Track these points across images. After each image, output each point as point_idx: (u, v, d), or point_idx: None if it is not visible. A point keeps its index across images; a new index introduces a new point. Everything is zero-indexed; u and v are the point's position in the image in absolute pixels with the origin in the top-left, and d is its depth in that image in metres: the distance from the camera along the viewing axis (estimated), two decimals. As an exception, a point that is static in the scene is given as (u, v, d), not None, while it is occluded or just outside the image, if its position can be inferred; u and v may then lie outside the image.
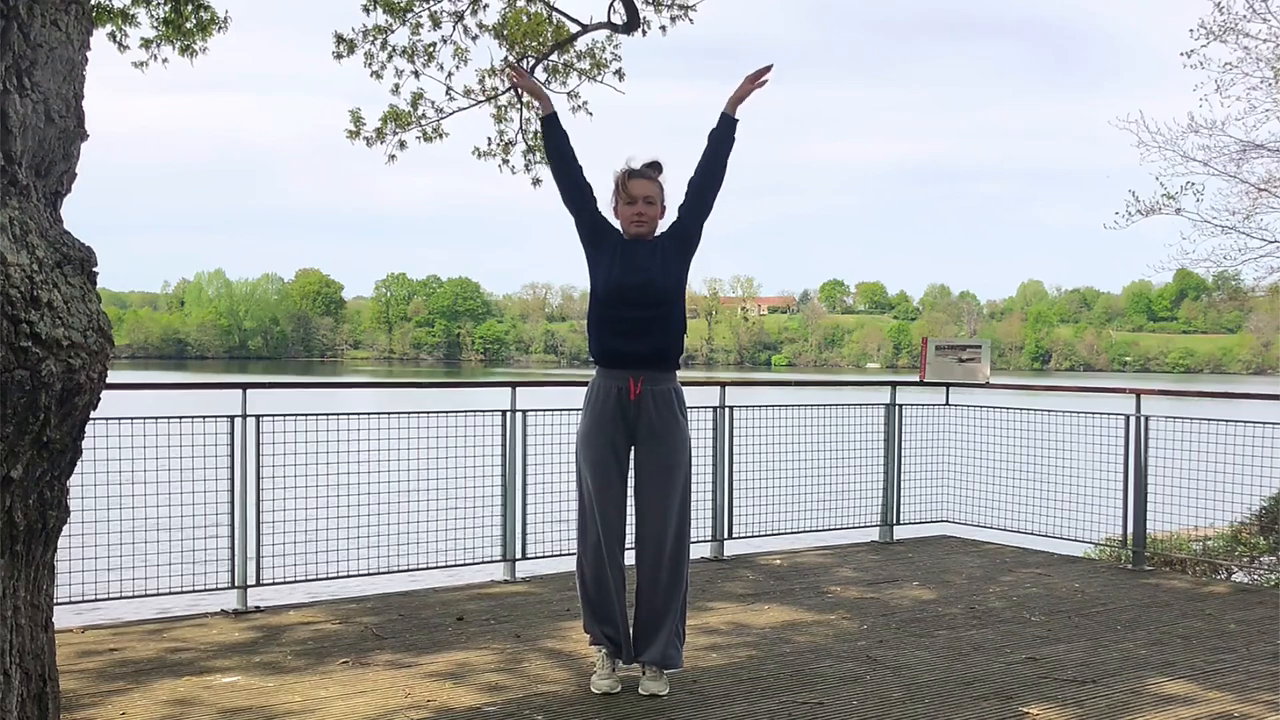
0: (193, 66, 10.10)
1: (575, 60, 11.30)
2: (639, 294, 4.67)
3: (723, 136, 4.83)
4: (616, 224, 4.83)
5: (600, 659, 4.81)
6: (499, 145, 11.58)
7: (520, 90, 11.30)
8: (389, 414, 6.87)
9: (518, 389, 7.20)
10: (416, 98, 11.17)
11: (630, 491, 4.80)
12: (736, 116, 4.83)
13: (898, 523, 8.69)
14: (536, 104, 5.06)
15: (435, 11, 10.88)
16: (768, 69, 4.81)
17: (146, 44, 9.96)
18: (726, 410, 7.84)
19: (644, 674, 4.74)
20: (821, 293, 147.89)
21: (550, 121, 4.89)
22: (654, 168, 4.82)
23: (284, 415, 6.37)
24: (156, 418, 6.03)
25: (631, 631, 4.80)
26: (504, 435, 7.02)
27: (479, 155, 11.59)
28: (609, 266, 4.73)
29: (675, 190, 4.87)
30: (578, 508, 4.86)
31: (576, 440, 4.86)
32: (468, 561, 6.99)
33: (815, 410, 8.33)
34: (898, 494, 8.70)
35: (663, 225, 4.85)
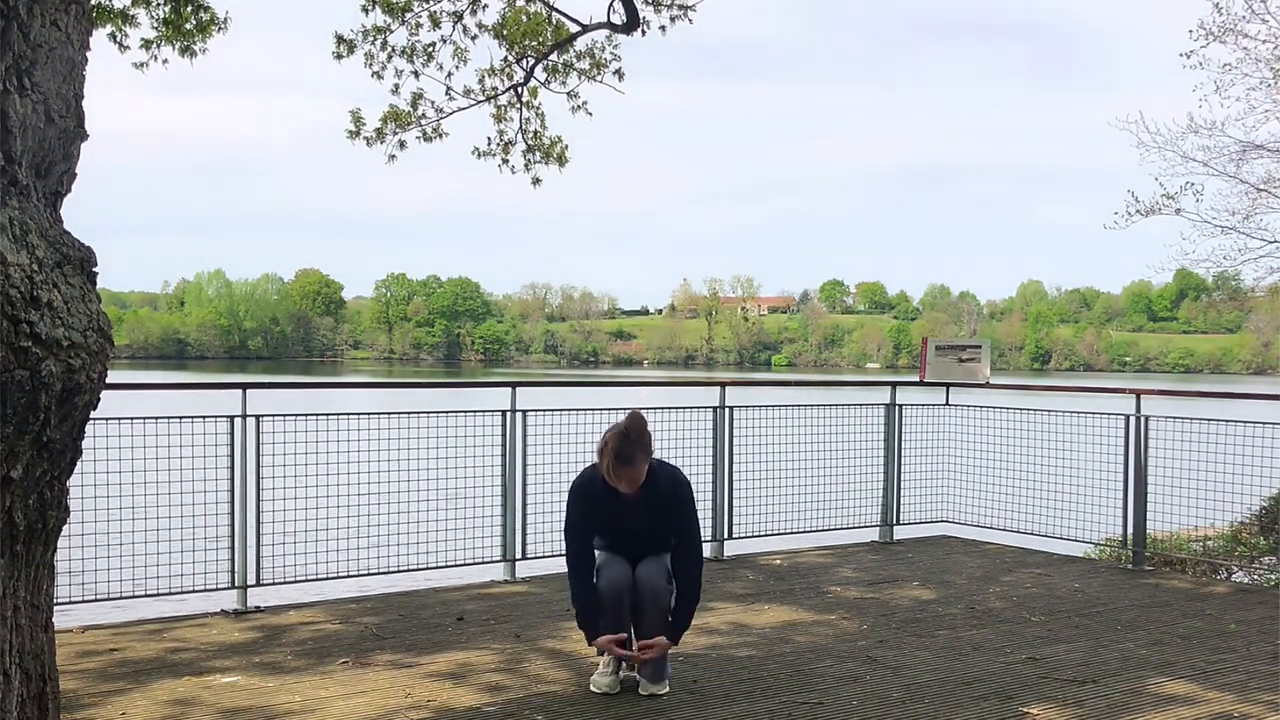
0: (193, 67, 10.10)
1: (575, 60, 11.28)
2: (633, 540, 4.88)
3: (677, 609, 4.84)
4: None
5: (604, 658, 4.81)
6: (499, 145, 11.56)
7: (521, 93, 11.30)
8: (389, 414, 6.87)
9: (518, 389, 7.20)
10: (416, 98, 11.16)
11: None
12: (672, 638, 4.80)
13: (898, 523, 8.69)
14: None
15: (435, 11, 10.87)
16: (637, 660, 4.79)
17: (147, 44, 9.95)
18: (726, 410, 7.84)
19: (643, 674, 4.75)
20: (821, 293, 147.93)
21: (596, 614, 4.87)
22: (635, 430, 4.74)
23: (284, 415, 6.37)
24: (156, 418, 6.03)
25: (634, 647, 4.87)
26: (504, 435, 7.02)
27: (479, 155, 11.57)
28: (607, 520, 4.85)
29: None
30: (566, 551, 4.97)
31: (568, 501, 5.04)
32: (468, 561, 6.99)
33: (815, 410, 8.33)
34: (898, 494, 8.69)
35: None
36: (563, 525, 4.94)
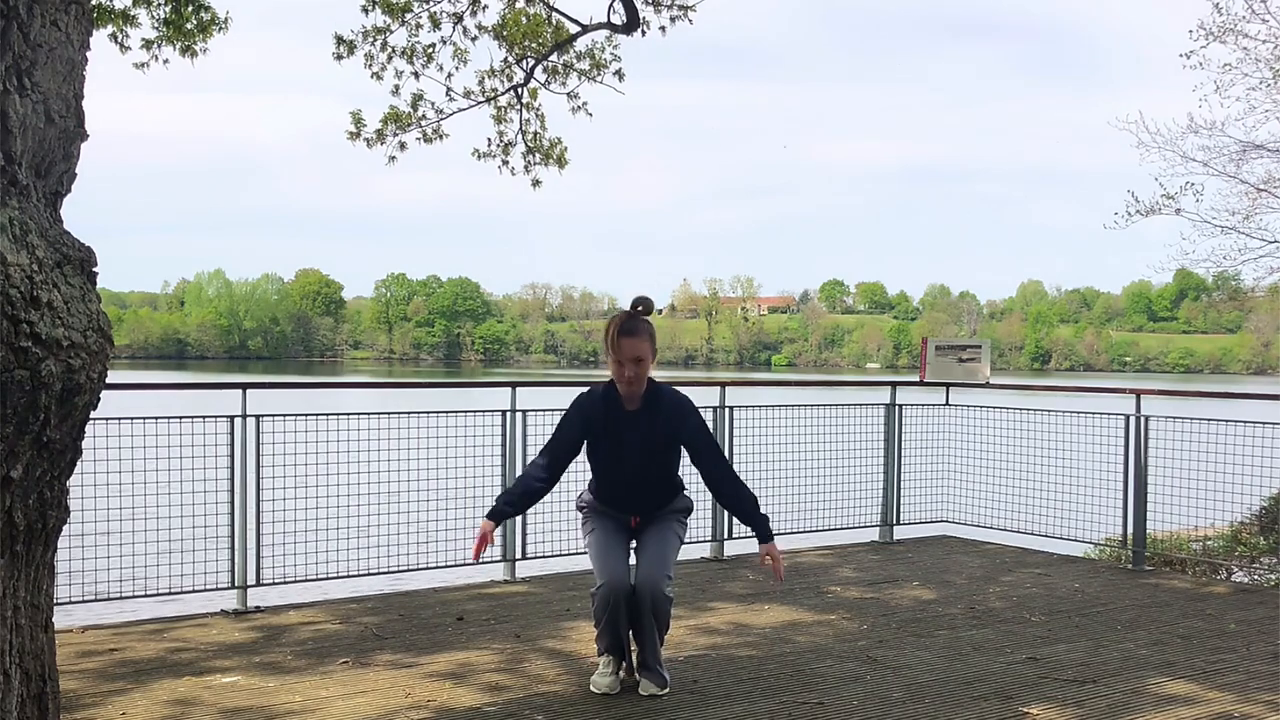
0: (194, 67, 10.10)
1: (575, 61, 11.28)
2: (636, 461, 4.77)
3: (743, 517, 4.78)
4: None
5: (604, 659, 4.81)
6: (499, 146, 11.56)
7: (521, 94, 11.30)
8: (389, 414, 6.87)
9: (518, 389, 7.21)
10: (416, 99, 11.16)
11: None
12: (759, 545, 4.74)
13: (898, 523, 8.69)
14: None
15: (434, 12, 10.87)
16: (779, 576, 4.82)
17: (147, 44, 9.96)
18: (726, 410, 7.84)
19: (643, 675, 4.75)
20: (821, 293, 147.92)
21: (512, 514, 5.00)
22: (644, 307, 4.74)
23: (284, 415, 6.37)
24: (156, 418, 6.03)
25: (634, 655, 4.84)
26: (504, 435, 7.02)
27: (479, 156, 11.57)
28: (603, 437, 4.78)
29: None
30: (590, 556, 4.93)
31: (579, 520, 5.03)
32: (468, 561, 6.98)
33: (815, 410, 8.33)
34: (898, 494, 8.69)
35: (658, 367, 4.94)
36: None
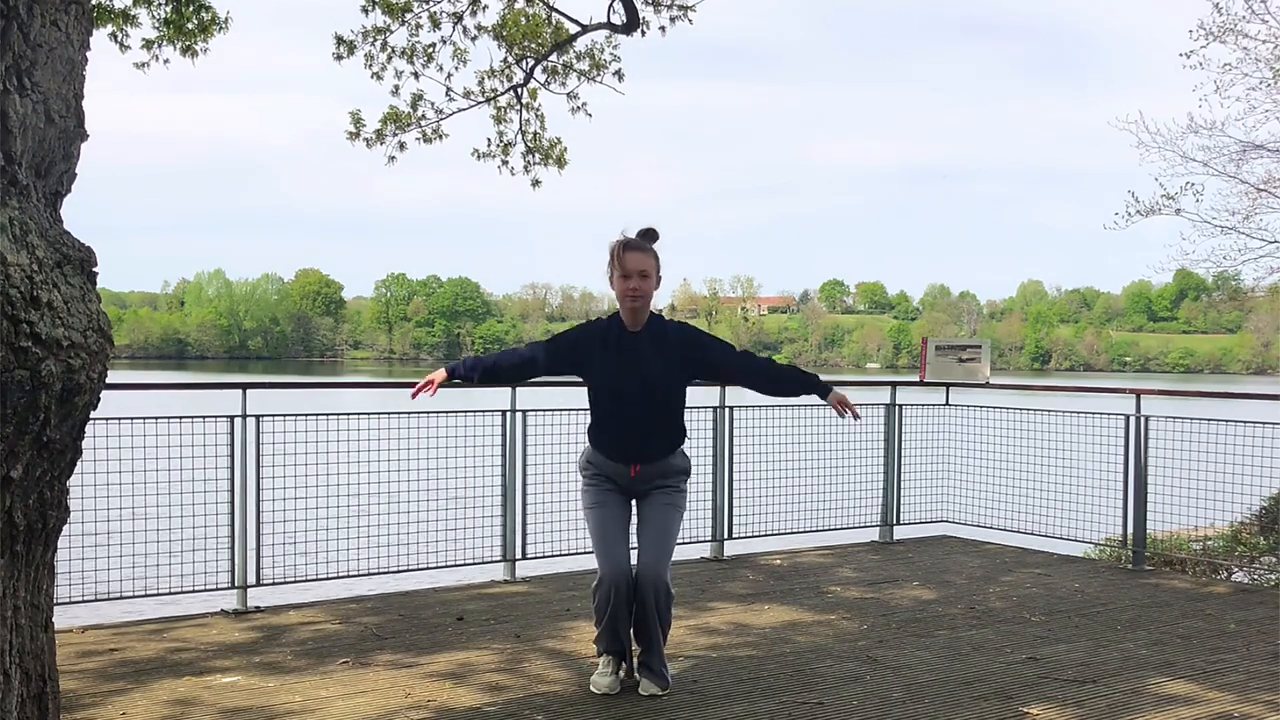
0: (194, 67, 10.11)
1: (574, 61, 11.29)
2: (637, 396, 4.68)
3: (802, 388, 4.83)
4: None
5: (603, 659, 4.81)
6: (498, 146, 11.57)
7: (521, 94, 11.30)
8: (389, 414, 6.87)
9: (518, 389, 7.20)
10: (416, 99, 11.17)
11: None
12: (825, 401, 4.79)
13: (898, 523, 8.69)
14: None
15: (434, 12, 10.88)
16: (857, 416, 4.83)
17: (148, 44, 9.96)
18: (726, 410, 7.84)
19: (644, 674, 4.75)
20: (821, 293, 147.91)
21: (465, 377, 4.91)
22: (648, 237, 4.76)
23: (284, 415, 6.37)
24: (157, 418, 6.03)
25: (635, 655, 4.81)
26: (504, 435, 7.02)
27: (478, 156, 11.58)
28: (605, 364, 4.72)
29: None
30: (591, 541, 4.88)
31: (579, 486, 4.94)
32: (468, 561, 6.99)
33: (815, 410, 8.32)
34: (898, 494, 8.69)
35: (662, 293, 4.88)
36: None
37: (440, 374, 4.85)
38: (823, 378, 4.89)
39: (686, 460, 4.91)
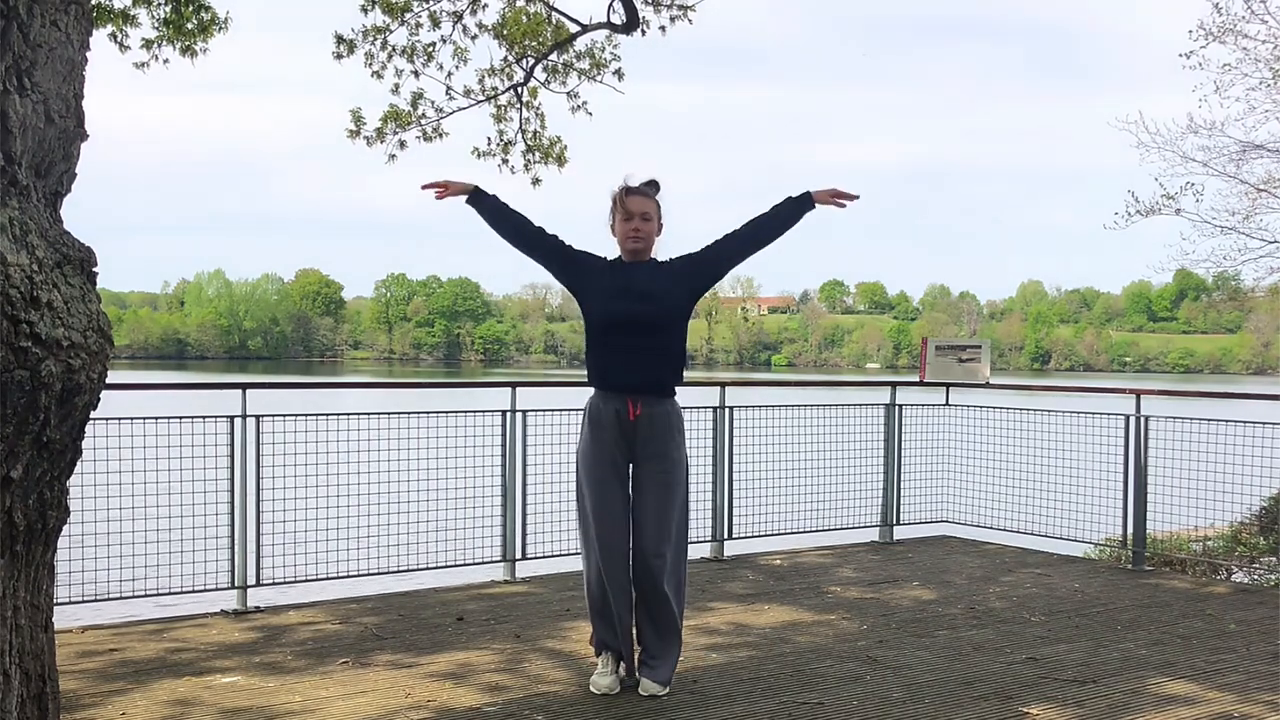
0: (194, 67, 10.11)
1: (574, 60, 11.30)
2: (636, 319, 4.63)
3: (791, 215, 4.83)
4: (601, 247, 4.84)
5: (602, 659, 4.81)
6: (499, 145, 11.58)
7: (521, 93, 11.30)
8: (389, 414, 6.87)
9: (518, 389, 7.20)
10: (416, 97, 11.18)
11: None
12: (815, 206, 4.82)
13: (898, 523, 8.69)
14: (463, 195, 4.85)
15: (434, 11, 10.88)
16: (853, 197, 4.85)
17: (147, 44, 9.97)
18: (726, 410, 7.84)
19: (644, 674, 4.74)
20: (821, 293, 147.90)
21: (482, 201, 4.85)
22: (651, 185, 4.79)
23: (284, 415, 6.37)
24: (156, 418, 6.03)
25: (636, 654, 4.77)
26: (504, 435, 7.02)
27: (479, 155, 11.58)
28: (603, 289, 4.70)
29: (671, 207, 4.85)
30: (579, 527, 4.81)
31: (576, 458, 4.83)
32: (468, 561, 6.99)
33: (815, 410, 8.33)
34: (898, 494, 8.69)
35: (666, 244, 4.85)
36: None
37: (462, 184, 4.82)
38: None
39: (681, 418, 4.81)
